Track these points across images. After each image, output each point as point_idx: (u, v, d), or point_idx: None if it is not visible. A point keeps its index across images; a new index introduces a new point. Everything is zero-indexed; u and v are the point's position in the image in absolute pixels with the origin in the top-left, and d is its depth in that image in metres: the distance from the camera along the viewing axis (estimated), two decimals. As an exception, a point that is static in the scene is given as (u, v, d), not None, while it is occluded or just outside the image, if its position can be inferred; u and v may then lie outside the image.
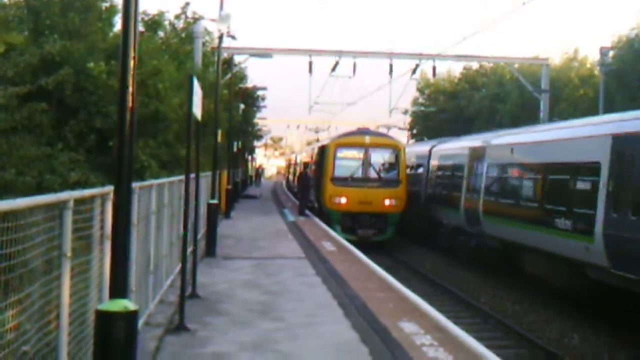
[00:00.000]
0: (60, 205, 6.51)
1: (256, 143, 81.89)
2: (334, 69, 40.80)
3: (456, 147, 30.51)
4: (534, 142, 22.10)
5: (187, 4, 30.90)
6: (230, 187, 37.02)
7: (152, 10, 28.07)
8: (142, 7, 27.40)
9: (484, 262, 25.42)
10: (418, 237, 34.07)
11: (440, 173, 31.93)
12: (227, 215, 33.10)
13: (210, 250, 19.77)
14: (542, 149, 21.05)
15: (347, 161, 31.90)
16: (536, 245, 20.26)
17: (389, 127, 63.52)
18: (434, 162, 33.19)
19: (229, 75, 35.83)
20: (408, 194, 32.72)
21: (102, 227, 7.90)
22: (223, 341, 10.48)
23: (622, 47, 39.81)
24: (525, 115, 47.06)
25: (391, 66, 40.61)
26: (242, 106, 45.77)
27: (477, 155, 26.57)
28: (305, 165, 48.58)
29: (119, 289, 6.11)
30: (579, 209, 17.77)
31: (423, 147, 37.28)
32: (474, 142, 27.96)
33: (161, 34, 28.98)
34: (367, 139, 32.11)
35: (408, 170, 35.18)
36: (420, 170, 35.23)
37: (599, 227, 16.47)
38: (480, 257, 25.78)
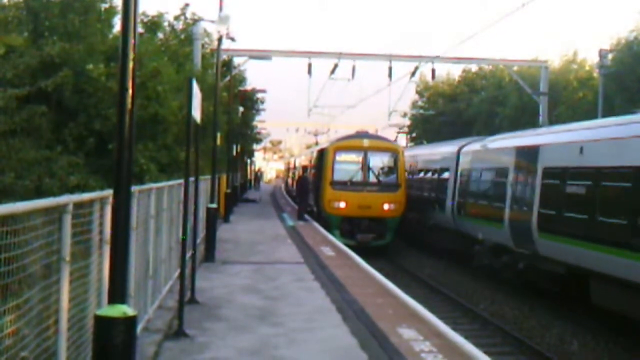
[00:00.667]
0: (60, 209, 6.48)
1: (255, 146, 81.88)
2: (333, 72, 40.79)
3: (496, 147, 25.42)
4: (617, 138, 16.69)
5: (187, 5, 30.91)
6: (229, 190, 36.98)
7: (152, 12, 28.01)
8: (141, 9, 27.35)
9: (536, 289, 21.16)
10: (443, 254, 29.61)
11: (473, 178, 26.73)
12: (226, 219, 33.05)
13: (209, 254, 19.72)
14: (634, 148, 15.67)
15: (346, 165, 31.88)
16: (626, 276, 15.35)
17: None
18: (464, 166, 28.02)
19: (228, 78, 35.83)
20: (430, 202, 31.01)
21: (101, 231, 7.86)
22: (222, 346, 10.45)
23: (621, 49, 39.90)
24: (525, 118, 47.13)
25: (390, 69, 40.58)
26: (241, 109, 45.75)
27: (526, 156, 21.54)
28: (304, 169, 48.55)
29: (117, 294, 6.09)
30: None
31: (448, 148, 31.68)
32: (522, 141, 22.87)
33: (160, 35, 28.95)
34: (366, 143, 32.09)
35: (429, 175, 32.83)
36: (446, 174, 29.98)
37: None
38: (531, 282, 21.29)
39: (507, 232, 22.00)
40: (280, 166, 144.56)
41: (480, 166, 26.23)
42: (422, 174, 34.32)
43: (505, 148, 23.97)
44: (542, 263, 19.71)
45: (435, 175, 31.76)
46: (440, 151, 32.79)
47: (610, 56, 38.65)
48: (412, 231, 34.12)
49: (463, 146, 29.14)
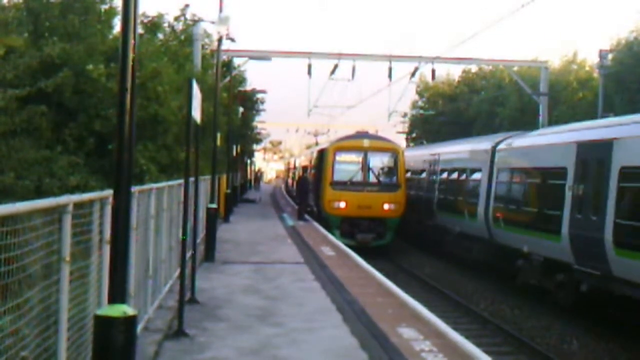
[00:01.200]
0: (60, 210, 6.49)
1: (255, 147, 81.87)
2: (333, 72, 40.81)
3: (547, 142, 21.26)
4: None
5: (187, 6, 30.86)
6: (229, 191, 36.99)
7: (152, 12, 27.97)
8: (141, 9, 27.32)
9: (607, 317, 17.89)
10: (474, 267, 26.24)
11: (516, 180, 22.76)
12: (226, 219, 33.06)
13: (209, 254, 19.74)
14: None
15: (346, 165, 31.94)
16: None
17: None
18: (502, 165, 23.99)
19: (227, 78, 35.83)
20: (456, 207, 27.83)
21: (101, 232, 7.86)
22: (222, 346, 10.45)
23: (621, 49, 39.87)
24: (525, 118, 47.10)
25: (390, 69, 40.57)
26: (241, 109, 45.77)
27: (594, 153, 17.58)
28: (304, 169, 48.59)
29: (117, 293, 6.10)
30: None
31: (478, 145, 27.66)
32: (586, 134, 18.83)
33: (160, 36, 28.92)
34: (366, 143, 32.13)
35: (454, 176, 29.22)
36: (477, 175, 26.13)
37: None
38: (597, 307, 18.00)
39: (565, 246, 18.13)
40: (280, 166, 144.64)
41: (524, 166, 22.18)
42: (445, 175, 30.58)
43: (562, 144, 19.80)
44: (618, 287, 15.95)
45: (463, 176, 27.91)
46: (468, 149, 28.69)
47: (610, 56, 38.61)
48: (432, 239, 31.21)
49: (499, 142, 25.09)
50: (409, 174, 35.00)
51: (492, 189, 24.26)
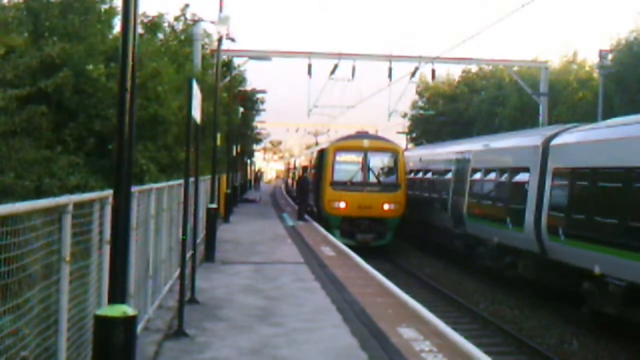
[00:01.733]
0: (60, 210, 6.49)
1: (255, 147, 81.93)
2: (333, 72, 40.85)
3: (627, 135, 16.25)
4: None
5: (187, 6, 30.88)
6: (229, 191, 36.99)
7: (152, 12, 27.98)
8: (141, 9, 27.29)
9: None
10: (521, 287, 22.26)
11: (583, 183, 17.79)
12: (226, 219, 33.06)
13: (209, 254, 19.74)
14: None
15: (346, 165, 31.96)
16: None
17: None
18: (560, 164, 19.33)
19: (228, 78, 35.85)
20: (493, 213, 23.71)
21: (101, 232, 7.87)
22: (222, 346, 10.45)
23: (621, 50, 39.89)
24: (525, 118, 47.15)
25: (390, 69, 40.62)
26: (241, 109, 45.79)
27: None
28: (304, 169, 48.60)
29: (118, 293, 6.10)
30: None
31: (522, 141, 23.26)
32: None
33: (160, 36, 28.93)
34: (366, 143, 32.16)
35: (490, 176, 24.70)
36: (522, 177, 21.64)
37: None
38: None
39: None
40: (280, 166, 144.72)
41: (597, 165, 17.39)
42: (478, 175, 25.90)
43: None
44: None
45: (504, 177, 23.31)
46: (510, 145, 24.25)
47: (610, 56, 38.66)
48: (459, 249, 27.65)
49: (553, 137, 20.51)
50: (428, 175, 33.09)
51: (545, 194, 19.80)
